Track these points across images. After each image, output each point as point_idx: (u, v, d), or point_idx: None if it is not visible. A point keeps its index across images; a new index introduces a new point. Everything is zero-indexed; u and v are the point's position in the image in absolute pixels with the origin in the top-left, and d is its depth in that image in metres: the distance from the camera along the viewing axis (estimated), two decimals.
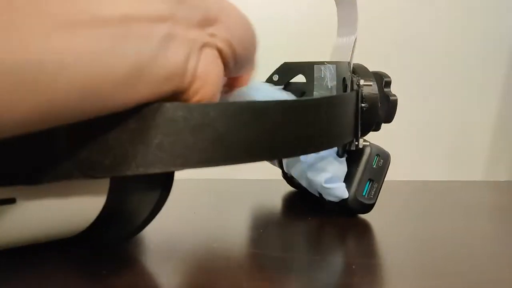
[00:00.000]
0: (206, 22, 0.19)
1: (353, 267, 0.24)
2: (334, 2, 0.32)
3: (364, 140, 0.32)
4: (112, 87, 0.16)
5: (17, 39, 0.14)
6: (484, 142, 0.65)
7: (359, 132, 0.30)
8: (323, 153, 0.32)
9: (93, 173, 0.18)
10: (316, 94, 0.33)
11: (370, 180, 0.32)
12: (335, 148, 0.32)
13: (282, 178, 0.41)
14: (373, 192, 0.32)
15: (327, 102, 0.25)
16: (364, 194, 0.32)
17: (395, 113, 0.32)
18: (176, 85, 0.18)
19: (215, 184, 0.45)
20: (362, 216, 0.33)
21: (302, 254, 0.26)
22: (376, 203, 0.32)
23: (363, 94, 0.30)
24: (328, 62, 0.32)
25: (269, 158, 0.28)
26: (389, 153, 0.33)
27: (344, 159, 0.32)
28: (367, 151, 0.32)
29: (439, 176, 0.59)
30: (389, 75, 0.32)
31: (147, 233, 0.28)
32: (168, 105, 0.18)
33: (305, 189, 0.35)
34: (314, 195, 0.34)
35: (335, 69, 0.31)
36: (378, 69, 0.33)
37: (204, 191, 0.43)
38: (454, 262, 0.25)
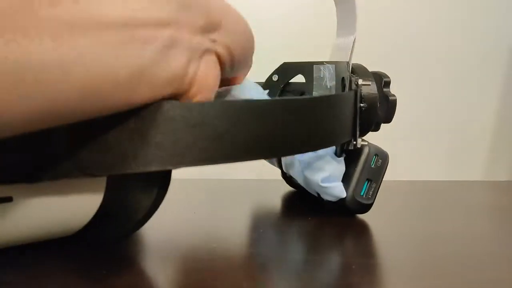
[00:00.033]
0: (208, 28, 0.19)
1: (353, 267, 0.24)
2: (334, 2, 0.32)
3: (363, 140, 0.31)
4: (112, 88, 0.16)
5: (18, 39, 0.14)
6: (484, 142, 0.65)
7: (358, 132, 0.30)
8: (320, 152, 0.32)
9: (92, 171, 0.18)
10: (316, 94, 0.33)
11: (368, 180, 0.32)
12: (333, 148, 0.32)
13: (282, 178, 0.41)
14: (371, 192, 0.32)
15: (325, 101, 0.25)
16: (362, 194, 0.32)
17: (394, 113, 0.32)
18: (175, 89, 0.18)
19: (215, 184, 0.45)
20: (363, 216, 0.33)
21: (301, 254, 0.26)
22: (375, 203, 0.32)
23: (362, 94, 0.30)
24: (327, 62, 0.32)
25: (268, 157, 0.28)
26: (388, 153, 0.33)
27: (342, 158, 0.32)
28: (366, 150, 0.32)
29: (439, 176, 0.60)
30: (389, 75, 0.32)
31: (147, 233, 0.28)
32: (167, 104, 0.18)
33: (304, 189, 0.35)
34: (313, 195, 0.34)
35: (334, 69, 0.31)
36: (378, 69, 0.33)
37: (204, 191, 0.43)
38: (454, 262, 0.25)
